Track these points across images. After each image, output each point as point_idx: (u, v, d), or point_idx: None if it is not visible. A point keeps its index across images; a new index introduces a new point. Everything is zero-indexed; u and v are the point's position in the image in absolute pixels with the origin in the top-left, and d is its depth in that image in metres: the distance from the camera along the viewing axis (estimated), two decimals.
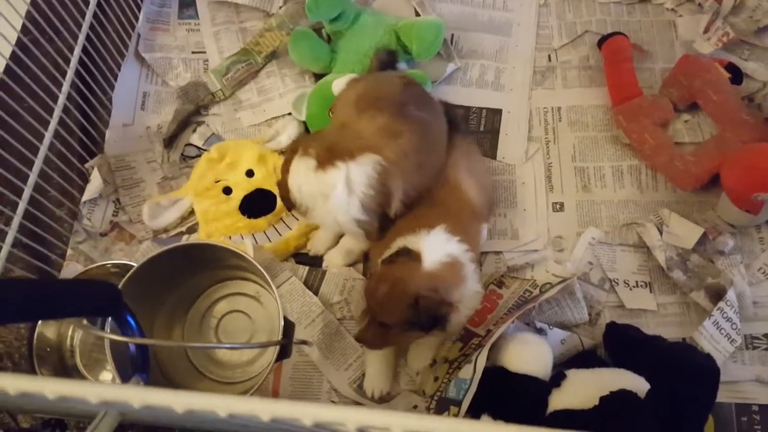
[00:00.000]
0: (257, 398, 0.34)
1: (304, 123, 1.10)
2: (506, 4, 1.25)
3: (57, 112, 1.00)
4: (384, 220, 0.86)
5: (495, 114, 1.14)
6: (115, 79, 1.17)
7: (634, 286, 0.97)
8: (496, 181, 1.07)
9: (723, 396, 0.87)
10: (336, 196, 0.82)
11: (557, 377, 0.78)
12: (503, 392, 0.77)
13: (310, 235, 1.02)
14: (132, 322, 0.67)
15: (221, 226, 1.01)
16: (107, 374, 0.94)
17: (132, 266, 0.83)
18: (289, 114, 1.13)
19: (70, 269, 1.01)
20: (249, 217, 1.01)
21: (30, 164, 0.95)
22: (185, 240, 1.03)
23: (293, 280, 0.97)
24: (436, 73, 1.15)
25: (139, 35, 1.21)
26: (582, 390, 0.74)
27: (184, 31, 1.25)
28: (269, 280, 0.81)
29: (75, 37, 1.07)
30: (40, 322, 0.93)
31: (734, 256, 0.97)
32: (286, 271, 0.98)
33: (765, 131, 1.01)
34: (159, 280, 0.87)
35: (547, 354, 0.80)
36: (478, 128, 1.13)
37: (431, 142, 0.89)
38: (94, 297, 0.63)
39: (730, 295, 0.90)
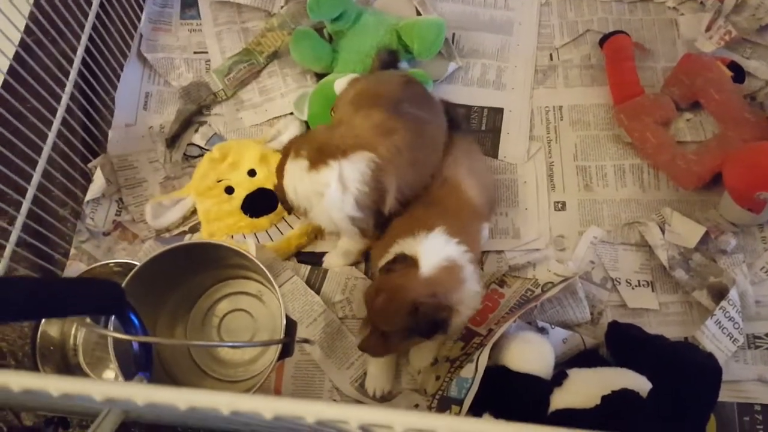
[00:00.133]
0: (260, 396, 0.34)
1: (306, 123, 1.10)
2: (507, 3, 1.25)
3: (60, 112, 1.01)
4: (379, 218, 0.86)
5: (496, 113, 1.14)
6: (118, 80, 1.17)
7: (636, 286, 0.97)
8: (498, 180, 1.07)
9: (725, 395, 0.87)
10: (330, 194, 0.82)
11: (559, 376, 0.78)
12: (505, 391, 0.77)
13: (311, 234, 1.02)
14: (135, 321, 0.67)
15: (223, 225, 1.01)
16: (110, 373, 0.95)
17: (135, 265, 0.83)
18: (291, 114, 1.13)
19: (74, 268, 1.01)
20: (251, 216, 1.01)
21: (34, 164, 0.95)
22: (188, 239, 1.04)
23: (295, 279, 0.97)
24: (438, 72, 1.15)
25: (141, 35, 1.22)
26: (584, 389, 0.74)
27: (186, 31, 1.25)
28: (271, 278, 0.82)
29: (78, 38, 1.08)
30: (43, 320, 0.93)
31: (736, 255, 0.96)
32: (288, 270, 0.98)
33: (767, 130, 1.01)
34: (161, 279, 0.87)
35: (548, 353, 0.80)
36: (479, 127, 1.13)
37: (426, 140, 0.89)
38: (97, 295, 0.63)
39: (733, 294, 0.90)
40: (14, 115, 0.93)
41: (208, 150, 1.10)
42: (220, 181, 1.03)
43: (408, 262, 0.77)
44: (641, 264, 0.99)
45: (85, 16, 1.10)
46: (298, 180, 0.84)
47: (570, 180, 1.07)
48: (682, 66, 1.09)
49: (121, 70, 1.18)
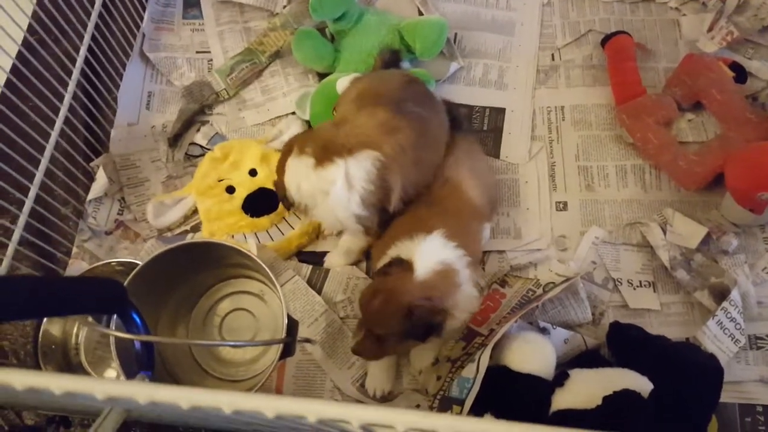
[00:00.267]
0: (262, 395, 0.34)
1: (308, 122, 1.10)
2: (509, 3, 1.25)
3: (63, 111, 1.01)
4: (383, 216, 0.86)
5: (498, 113, 1.14)
6: (120, 79, 1.18)
7: (637, 286, 0.97)
8: (500, 180, 1.07)
9: (727, 396, 0.87)
10: (336, 192, 0.82)
11: (560, 377, 0.78)
12: (506, 391, 0.77)
13: (312, 234, 1.02)
14: (137, 320, 0.67)
15: (224, 225, 1.01)
16: (112, 372, 0.95)
17: (137, 264, 0.83)
18: (293, 113, 1.14)
19: (76, 267, 1.01)
20: (252, 216, 1.01)
21: (36, 163, 0.96)
22: (189, 238, 1.04)
23: (296, 279, 0.97)
24: (440, 72, 1.15)
25: (143, 35, 1.22)
26: (585, 389, 0.74)
27: (188, 30, 1.25)
28: (273, 278, 0.82)
29: (81, 37, 1.08)
30: (45, 319, 0.93)
31: (738, 255, 0.96)
32: (289, 270, 0.98)
33: None
34: (163, 278, 0.87)
35: (550, 353, 0.80)
36: (481, 127, 1.13)
37: (429, 139, 0.89)
38: (99, 294, 0.63)
39: (734, 294, 0.90)
40: (17, 113, 0.93)
41: (209, 149, 1.10)
42: (222, 180, 1.03)
43: (404, 265, 0.77)
44: (643, 264, 0.99)
45: (88, 15, 1.10)
46: (303, 177, 0.84)
47: (572, 180, 1.07)
48: (683, 66, 1.09)
49: (124, 69, 1.18)
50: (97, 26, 1.11)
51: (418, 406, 0.89)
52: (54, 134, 0.99)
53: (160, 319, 0.91)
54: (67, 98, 1.02)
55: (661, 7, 1.21)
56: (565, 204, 1.05)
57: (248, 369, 0.94)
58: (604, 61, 1.15)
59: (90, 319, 0.85)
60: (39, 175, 0.95)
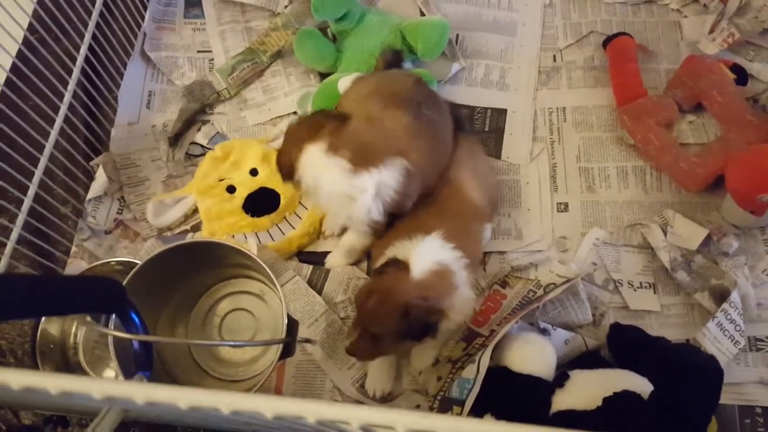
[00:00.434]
0: (261, 395, 0.34)
1: None
2: (511, 4, 1.25)
3: (63, 110, 1.01)
4: (393, 219, 0.86)
5: (500, 114, 1.14)
6: (121, 78, 1.18)
7: (638, 287, 0.97)
8: (501, 181, 1.07)
9: (726, 398, 0.87)
10: (364, 200, 0.81)
11: (560, 378, 0.78)
12: (506, 392, 0.77)
13: (313, 234, 1.02)
14: (136, 319, 0.67)
15: (224, 224, 1.01)
16: (110, 371, 0.95)
17: (136, 264, 0.83)
18: (294, 113, 1.14)
19: (75, 266, 1.01)
20: (252, 215, 1.01)
21: (36, 162, 0.95)
22: (189, 238, 1.04)
23: (297, 279, 0.97)
24: (441, 72, 1.15)
25: (145, 34, 1.22)
26: (585, 391, 0.74)
27: (189, 30, 1.25)
28: (273, 278, 0.81)
29: (81, 36, 1.08)
30: (43, 318, 0.93)
31: (738, 257, 0.96)
32: (289, 270, 0.98)
33: None
34: (163, 277, 0.87)
35: (550, 354, 0.80)
36: (482, 128, 1.13)
37: (439, 141, 0.89)
38: (98, 293, 0.63)
39: (734, 296, 0.90)
40: (17, 112, 0.93)
41: (210, 149, 1.10)
42: (222, 180, 1.03)
43: (400, 265, 0.77)
44: (643, 266, 0.99)
45: (89, 14, 1.10)
46: (331, 180, 0.81)
47: (573, 181, 1.07)
48: (685, 68, 1.09)
49: (125, 68, 1.18)
50: (98, 25, 1.11)
51: (418, 407, 0.89)
52: (54, 133, 0.98)
53: (159, 318, 0.91)
54: (68, 97, 1.02)
55: (663, 8, 1.21)
56: (566, 205, 1.05)
57: (248, 369, 0.93)
58: (605, 62, 1.15)
59: (88, 318, 0.85)
60: (38, 174, 0.95)
